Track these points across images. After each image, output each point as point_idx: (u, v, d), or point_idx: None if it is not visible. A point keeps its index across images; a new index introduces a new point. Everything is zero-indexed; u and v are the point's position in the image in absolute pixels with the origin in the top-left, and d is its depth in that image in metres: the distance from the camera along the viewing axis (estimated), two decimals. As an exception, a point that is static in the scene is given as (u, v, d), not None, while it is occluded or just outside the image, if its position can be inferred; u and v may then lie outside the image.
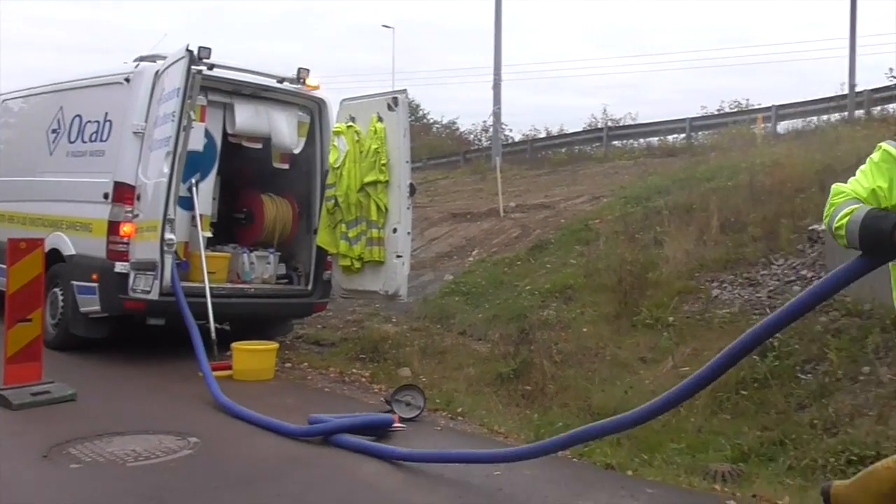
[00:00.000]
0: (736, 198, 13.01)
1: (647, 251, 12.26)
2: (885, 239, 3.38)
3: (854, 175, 3.75)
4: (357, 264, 9.86)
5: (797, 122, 20.02)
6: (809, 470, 6.34)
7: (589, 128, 27.69)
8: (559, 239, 14.70)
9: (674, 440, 7.41)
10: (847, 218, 3.46)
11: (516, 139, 30.87)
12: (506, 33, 40.78)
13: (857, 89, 19.32)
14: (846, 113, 18.61)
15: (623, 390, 8.60)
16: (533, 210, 17.44)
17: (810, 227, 11.09)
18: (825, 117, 19.38)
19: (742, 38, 69.46)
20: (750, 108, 22.83)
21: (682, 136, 22.73)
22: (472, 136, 35.67)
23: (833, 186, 3.63)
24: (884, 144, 3.57)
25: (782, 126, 20.30)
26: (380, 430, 6.65)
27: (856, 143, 13.52)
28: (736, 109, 23.65)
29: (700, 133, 22.59)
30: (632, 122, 26.83)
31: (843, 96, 19.61)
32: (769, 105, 21.20)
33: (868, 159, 3.58)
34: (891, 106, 18.07)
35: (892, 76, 17.98)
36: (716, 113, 24.34)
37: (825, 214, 3.62)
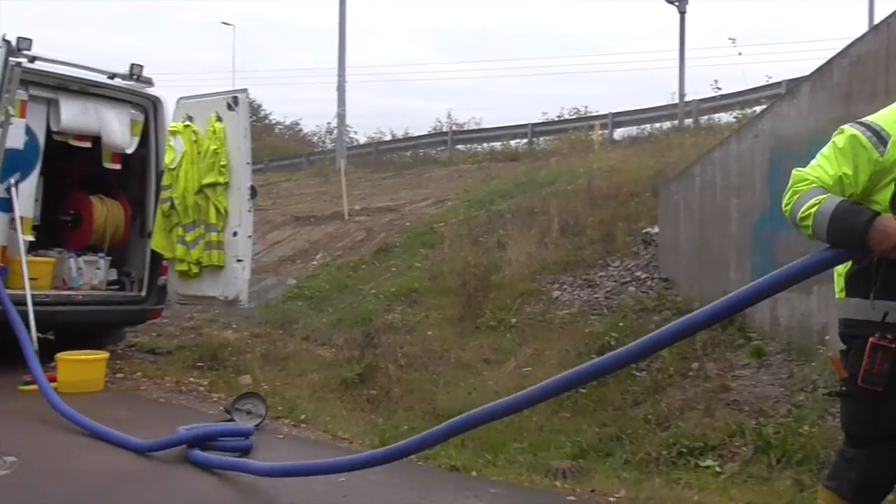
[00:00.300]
0: (575, 201, 13.48)
1: (491, 254, 12.51)
2: (856, 235, 3.14)
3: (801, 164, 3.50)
4: (195, 269, 9.54)
5: (632, 130, 20.96)
6: (644, 463, 6.61)
7: (434, 131, 27.98)
8: (404, 242, 14.78)
9: (517, 439, 7.57)
10: (815, 208, 3.23)
11: (361, 141, 30.82)
12: (350, 34, 40.73)
13: (687, 99, 20.39)
14: (677, 121, 19.61)
15: (467, 392, 8.73)
16: (378, 213, 17.47)
17: (644, 230, 11.64)
18: (658, 125, 20.38)
19: (582, 46, 72.11)
20: (588, 115, 23.67)
21: (525, 141, 23.31)
22: (315, 137, 35.36)
23: (794, 172, 3.38)
24: (848, 128, 3.34)
25: (618, 133, 21.20)
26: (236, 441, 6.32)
27: (685, 149, 14.28)
28: (575, 116, 24.45)
29: (541, 138, 23.25)
30: (476, 127, 27.26)
31: (674, 105, 20.65)
32: (606, 112, 22.06)
33: (830, 144, 3.34)
34: (716, 115, 19.20)
35: (718, 87, 19.15)
36: (556, 119, 25.11)
37: (785, 202, 3.36)
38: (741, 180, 8.69)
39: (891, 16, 6.59)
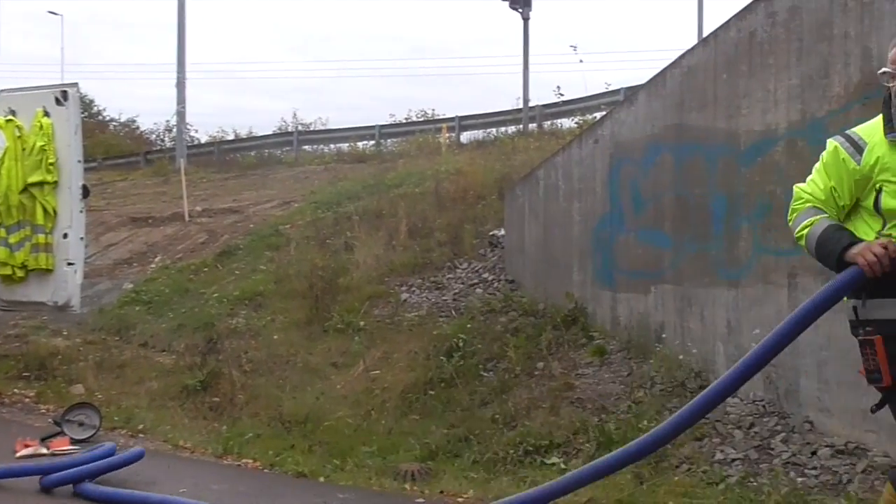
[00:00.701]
0: (423, 204, 13.63)
1: (338, 256, 12.48)
2: (833, 262, 3.39)
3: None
4: (20, 272, 9.04)
5: (478, 133, 21.36)
6: (492, 463, 6.78)
7: (279, 131, 27.58)
8: (248, 244, 14.52)
9: (365, 443, 7.59)
10: (807, 230, 3.45)
11: (203, 140, 29.98)
12: (191, 29, 39.61)
13: (531, 104, 20.95)
14: (521, 126, 20.14)
15: (315, 396, 8.70)
16: (221, 214, 17.07)
17: (491, 233, 11.90)
18: (503, 129, 20.87)
19: (429, 49, 72.88)
20: (436, 117, 23.93)
21: (372, 142, 23.37)
22: (154, 135, 34.08)
23: (794, 189, 3.56)
24: (831, 141, 3.49)
25: (465, 136, 21.56)
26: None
27: (529, 153, 14.70)
28: (423, 119, 24.69)
29: (389, 140, 23.36)
30: (323, 128, 27.06)
31: (519, 110, 21.17)
32: (453, 116, 22.38)
33: (820, 157, 3.49)
34: (559, 120, 19.86)
35: (560, 94, 19.83)
36: (404, 121, 25.28)
37: (788, 218, 3.57)
38: (583, 184, 9.03)
39: (719, 29, 7.02)
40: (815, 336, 5.95)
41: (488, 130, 21.31)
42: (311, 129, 27.36)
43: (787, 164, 6.23)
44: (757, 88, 6.53)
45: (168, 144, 29.63)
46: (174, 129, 27.24)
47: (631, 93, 9.13)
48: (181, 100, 25.35)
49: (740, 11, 6.78)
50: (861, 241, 3.27)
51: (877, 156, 3.31)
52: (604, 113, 10.94)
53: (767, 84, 6.42)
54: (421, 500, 5.89)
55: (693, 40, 16.68)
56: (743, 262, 6.67)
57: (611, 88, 18.24)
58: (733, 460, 5.87)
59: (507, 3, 21.20)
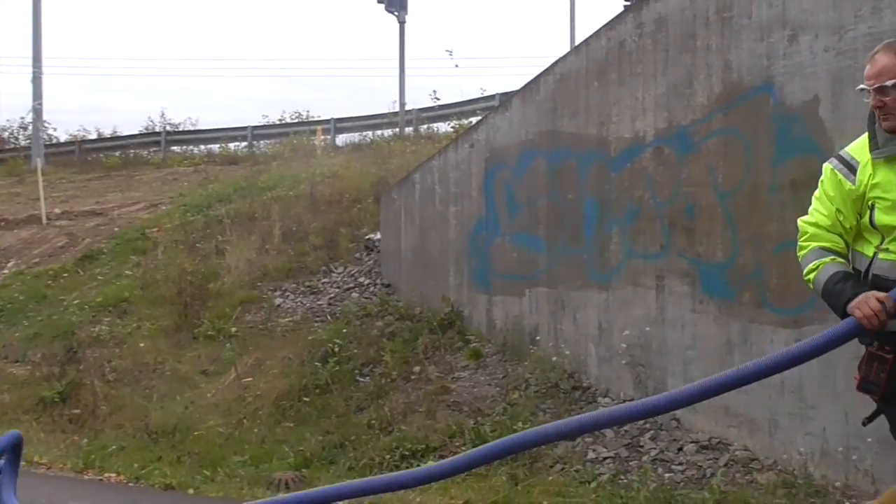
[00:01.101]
0: (297, 207, 13.51)
1: (209, 261, 12.25)
2: (840, 311, 3.39)
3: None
4: None
5: (354, 136, 21.26)
6: (368, 468, 6.78)
7: (146, 131, 26.74)
8: (113, 249, 14.07)
9: (237, 453, 7.50)
10: (813, 274, 3.48)
11: (62, 139, 28.76)
12: (49, 21, 38.04)
13: (407, 108, 21.03)
14: (398, 129, 20.21)
15: (184, 406, 8.53)
16: (82, 217, 16.46)
17: (367, 237, 11.91)
18: (379, 132, 20.90)
19: (304, 49, 72.07)
20: (311, 119, 23.71)
21: (244, 144, 22.96)
22: (7, 133, 32.55)
23: (799, 223, 3.55)
24: (826, 165, 3.51)
25: (341, 139, 21.44)
26: None
27: (406, 157, 14.76)
28: (297, 120, 24.41)
29: (262, 142, 23.00)
30: (192, 128, 26.36)
31: (395, 114, 21.24)
32: (328, 118, 22.23)
33: (819, 184, 3.50)
34: (435, 124, 20.00)
35: (436, 98, 20.01)
36: (277, 123, 24.93)
37: (798, 254, 3.57)
38: (459, 188, 9.15)
39: (590, 37, 7.26)
40: (682, 336, 6.24)
41: (364, 133, 21.28)
42: (181, 129, 26.66)
43: (655, 170, 6.50)
44: (626, 96, 6.77)
45: (23, 143, 28.31)
46: (30, 127, 26.09)
47: (506, 98, 9.33)
48: (37, 95, 24.30)
49: (610, 21, 7.02)
50: (862, 292, 3.29)
51: (868, 173, 3.37)
52: (479, 118, 11.12)
53: (636, 92, 6.67)
54: (295, 508, 5.86)
55: (566, 48, 17.14)
56: (613, 265, 6.91)
57: (486, 94, 18.49)
58: (605, 459, 6.08)
59: (382, 6, 21.26)
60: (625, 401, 6.68)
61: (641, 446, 6.13)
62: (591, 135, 7.14)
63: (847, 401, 5.07)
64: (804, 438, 5.33)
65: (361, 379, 8.60)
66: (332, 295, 10.88)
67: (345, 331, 9.49)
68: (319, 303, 10.73)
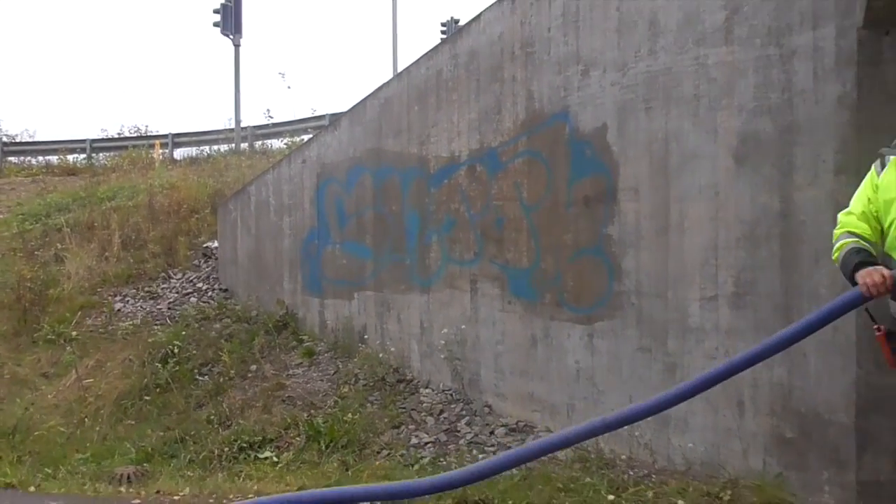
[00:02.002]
0: (136, 216, 12.87)
1: (48, 268, 11.47)
2: (848, 276, 3.45)
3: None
4: None
5: (192, 150, 20.49)
6: (207, 461, 6.54)
7: (-20, 142, 24.75)
8: (-54, 257, 12.90)
9: (79, 451, 7.07)
10: (837, 253, 3.53)
11: None
12: None
13: (243, 125, 20.51)
14: (234, 144, 19.65)
15: (24, 407, 7.94)
16: (-83, 226, 15.00)
17: (205, 245, 11.51)
18: (216, 147, 20.22)
19: (144, 65, 68.72)
20: (149, 133, 22.67)
21: (83, 156, 21.67)
22: None
23: (839, 215, 3.62)
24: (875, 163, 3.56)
25: (179, 153, 20.61)
26: None
27: (241, 170, 14.39)
28: (136, 134, 23.27)
29: (101, 154, 21.77)
30: (30, 139, 24.62)
31: (231, 130, 20.64)
32: (167, 133, 21.34)
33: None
34: (269, 141, 19.61)
35: (270, 116, 19.62)
36: (116, 136, 23.65)
37: (833, 245, 3.61)
38: (292, 200, 9.00)
39: (411, 65, 7.32)
40: (493, 333, 6.38)
41: (201, 148, 20.55)
42: (18, 140, 24.81)
43: (469, 186, 6.62)
44: (443, 120, 6.87)
45: None
46: None
47: (335, 119, 9.26)
48: None
49: (429, 51, 7.10)
50: (872, 263, 3.37)
51: (892, 172, 3.46)
52: (311, 136, 10.99)
53: (452, 116, 6.77)
54: (137, 500, 5.56)
55: (390, 74, 17.22)
56: (433, 270, 6.99)
57: (317, 114, 18.28)
58: (426, 443, 6.12)
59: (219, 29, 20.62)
60: (444, 391, 6.77)
61: (458, 431, 6.21)
62: (413, 153, 7.19)
63: (630, 387, 5.34)
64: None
65: (201, 378, 8.30)
66: (171, 299, 10.44)
67: (184, 333, 9.13)
68: (159, 307, 10.28)
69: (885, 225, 3.54)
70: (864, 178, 3.66)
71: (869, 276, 3.33)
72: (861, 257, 3.50)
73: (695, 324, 4.99)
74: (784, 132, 4.60)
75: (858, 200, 3.67)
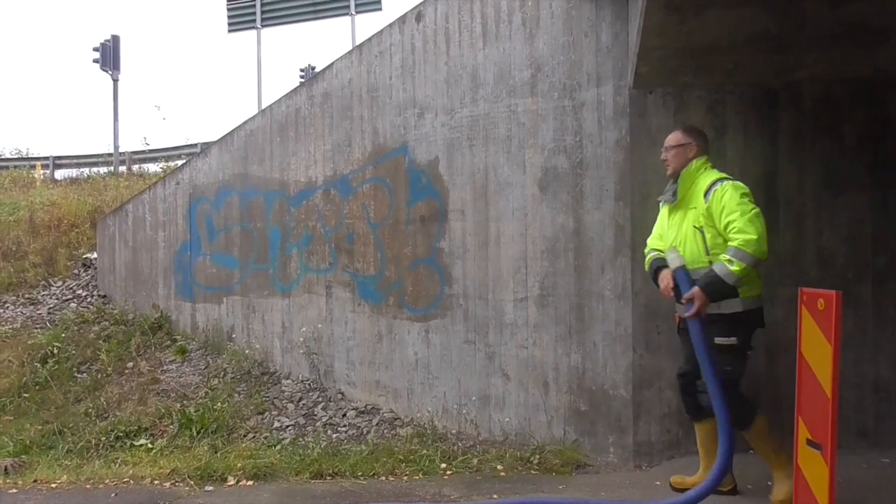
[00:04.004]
0: (17, 230, 11.69)
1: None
2: (652, 277, 3.91)
3: None
4: None
5: (72, 172, 18.90)
6: (85, 450, 6.00)
7: None
8: None
9: (-45, 448, 6.27)
10: (647, 263, 4.00)
11: None
12: None
13: (121, 150, 19.17)
14: (112, 167, 18.33)
15: None
16: None
17: (84, 256, 10.62)
18: (96, 169, 18.77)
19: (27, 94, 62.82)
20: (30, 156, 20.73)
21: (-36, 174, 19.51)
22: None
23: (648, 240, 4.08)
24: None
25: (60, 174, 18.95)
26: None
27: (120, 190, 13.43)
28: (17, 156, 21.22)
29: (-19, 173, 19.68)
30: (-89, 159, 21.91)
31: (111, 154, 19.24)
32: (48, 155, 19.59)
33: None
34: (146, 165, 18.45)
35: (147, 143, 18.51)
36: (-3, 157, 21.51)
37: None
38: (167, 217, 8.48)
39: (273, 103, 7.08)
40: (345, 330, 6.26)
41: (81, 170, 18.98)
42: None
43: (324, 206, 6.48)
44: (302, 150, 6.69)
45: None
46: None
47: (206, 147, 8.79)
48: None
49: (289, 92, 6.90)
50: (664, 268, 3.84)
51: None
52: (184, 161, 10.38)
53: (309, 147, 6.61)
54: (14, 490, 5.00)
55: (254, 110, 16.65)
56: (293, 278, 6.77)
57: (190, 142, 17.38)
58: (287, 426, 5.91)
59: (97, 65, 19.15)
60: (303, 381, 6.56)
61: (315, 415, 6.04)
62: (275, 178, 6.96)
63: (459, 373, 5.38)
64: (431, 401, 5.57)
65: (79, 375, 7.61)
66: (51, 305, 9.53)
67: (64, 335, 8.35)
68: (39, 312, 9.35)
69: (664, 247, 3.93)
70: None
71: (662, 280, 3.80)
72: (658, 263, 3.90)
73: (509, 320, 5.10)
74: (576, 167, 4.79)
75: (655, 229, 4.08)
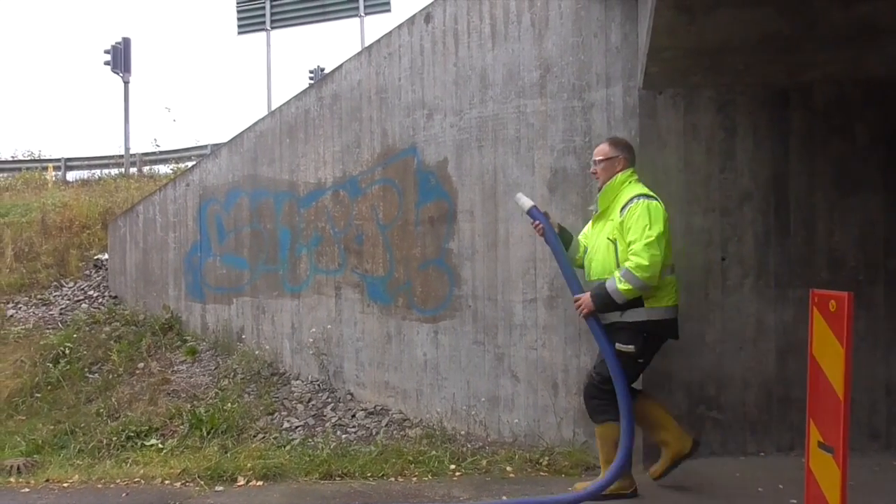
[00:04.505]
0: (29, 232, 11.75)
1: (-60, 279, 10.24)
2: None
3: None
4: None
5: (84, 174, 19.01)
6: (96, 450, 6.02)
7: None
8: None
9: (-31, 447, 6.31)
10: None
11: None
12: None
13: (132, 152, 19.27)
14: (123, 169, 18.42)
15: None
16: None
17: (96, 257, 10.67)
18: (107, 171, 18.88)
19: (39, 96, 63.22)
20: (42, 158, 20.84)
21: (-23, 176, 19.67)
22: None
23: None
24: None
25: (71, 176, 19.05)
26: None
27: (130, 192, 13.49)
28: (29, 158, 21.34)
29: (-5, 175, 19.83)
30: (-79, 160, 22.08)
31: (121, 156, 19.35)
32: (60, 157, 19.71)
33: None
34: (157, 166, 18.52)
35: (157, 144, 18.59)
36: (10, 160, 21.61)
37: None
38: (177, 218, 8.52)
39: (283, 105, 7.10)
40: (354, 331, 6.27)
41: (93, 171, 19.08)
42: None
43: (334, 207, 6.49)
44: (311, 151, 6.70)
45: None
46: None
47: (216, 148, 8.82)
48: None
49: (298, 94, 6.92)
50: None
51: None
52: (194, 163, 10.42)
53: (319, 148, 6.62)
54: (27, 489, 5.04)
55: (264, 112, 16.68)
56: (303, 279, 6.79)
57: (200, 143, 17.45)
58: (297, 427, 5.92)
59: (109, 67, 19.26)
60: (313, 382, 6.57)
61: (325, 416, 6.05)
62: (285, 179, 6.97)
63: (468, 374, 5.38)
64: (440, 402, 5.57)
65: (91, 375, 7.65)
66: (63, 306, 9.58)
67: (75, 336, 8.39)
68: (51, 313, 9.40)
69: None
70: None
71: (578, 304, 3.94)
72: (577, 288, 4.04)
73: (518, 321, 5.09)
74: (585, 168, 4.78)
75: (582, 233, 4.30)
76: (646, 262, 3.61)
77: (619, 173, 3.93)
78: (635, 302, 3.73)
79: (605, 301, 3.74)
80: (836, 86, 4.48)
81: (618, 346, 3.78)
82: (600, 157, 4.00)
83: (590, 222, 4.19)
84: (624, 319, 3.78)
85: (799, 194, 4.53)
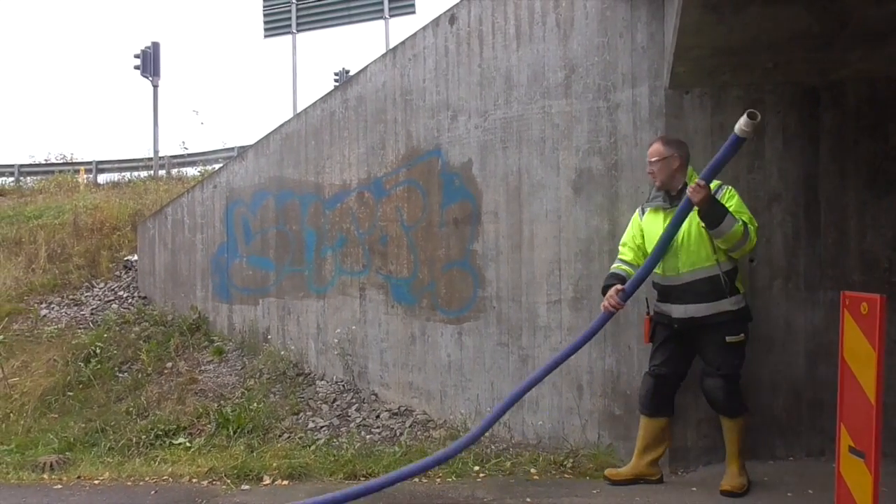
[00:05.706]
0: (62, 233, 11.97)
1: (-26, 280, 10.47)
2: (603, 293, 4.04)
3: None
4: None
5: (114, 176, 19.33)
6: (126, 448, 6.11)
7: None
8: None
9: (3, 443, 6.45)
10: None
11: None
12: None
13: (161, 154, 19.55)
14: (152, 171, 18.71)
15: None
16: None
17: (126, 258, 10.83)
18: (136, 173, 19.17)
19: (71, 99, 64.39)
20: (74, 161, 21.22)
21: (11, 179, 20.06)
22: None
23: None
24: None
25: (102, 178, 19.38)
26: None
27: (159, 194, 13.66)
28: (62, 161, 21.74)
29: (29, 178, 20.20)
30: (-41, 164, 22.59)
31: (150, 159, 19.65)
32: (91, 160, 20.08)
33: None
34: (185, 169, 18.77)
35: (185, 147, 18.86)
36: (43, 162, 22.04)
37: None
38: (204, 220, 8.61)
39: (308, 107, 7.14)
40: (378, 332, 6.28)
41: (123, 174, 19.40)
42: (-54, 163, 22.68)
43: (358, 209, 6.51)
44: (336, 153, 6.73)
45: None
46: None
47: (243, 150, 8.90)
48: None
49: (323, 96, 6.96)
50: (621, 280, 3.99)
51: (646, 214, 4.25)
52: (221, 165, 10.53)
53: (343, 150, 6.65)
54: (59, 486, 5.13)
55: (289, 114, 16.80)
56: (328, 280, 6.82)
57: (227, 146, 17.66)
58: (322, 427, 5.95)
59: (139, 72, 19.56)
60: (337, 382, 6.60)
61: (349, 416, 6.07)
62: (310, 181, 7.02)
63: (492, 375, 5.36)
64: (464, 403, 5.56)
65: (121, 375, 7.76)
66: (94, 306, 9.74)
67: (106, 335, 8.52)
68: (82, 313, 9.56)
69: (649, 251, 3.97)
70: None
71: (606, 299, 3.89)
72: (607, 282, 4.03)
73: (543, 323, 5.06)
74: (611, 168, 4.74)
75: (627, 235, 4.21)
76: (754, 235, 3.78)
77: (688, 169, 4.02)
78: (735, 289, 3.90)
79: (718, 209, 3.68)
80: (869, 84, 4.39)
81: (728, 338, 3.87)
82: (655, 158, 4.03)
83: (637, 223, 4.20)
84: (731, 309, 3.88)
85: (829, 195, 4.44)
